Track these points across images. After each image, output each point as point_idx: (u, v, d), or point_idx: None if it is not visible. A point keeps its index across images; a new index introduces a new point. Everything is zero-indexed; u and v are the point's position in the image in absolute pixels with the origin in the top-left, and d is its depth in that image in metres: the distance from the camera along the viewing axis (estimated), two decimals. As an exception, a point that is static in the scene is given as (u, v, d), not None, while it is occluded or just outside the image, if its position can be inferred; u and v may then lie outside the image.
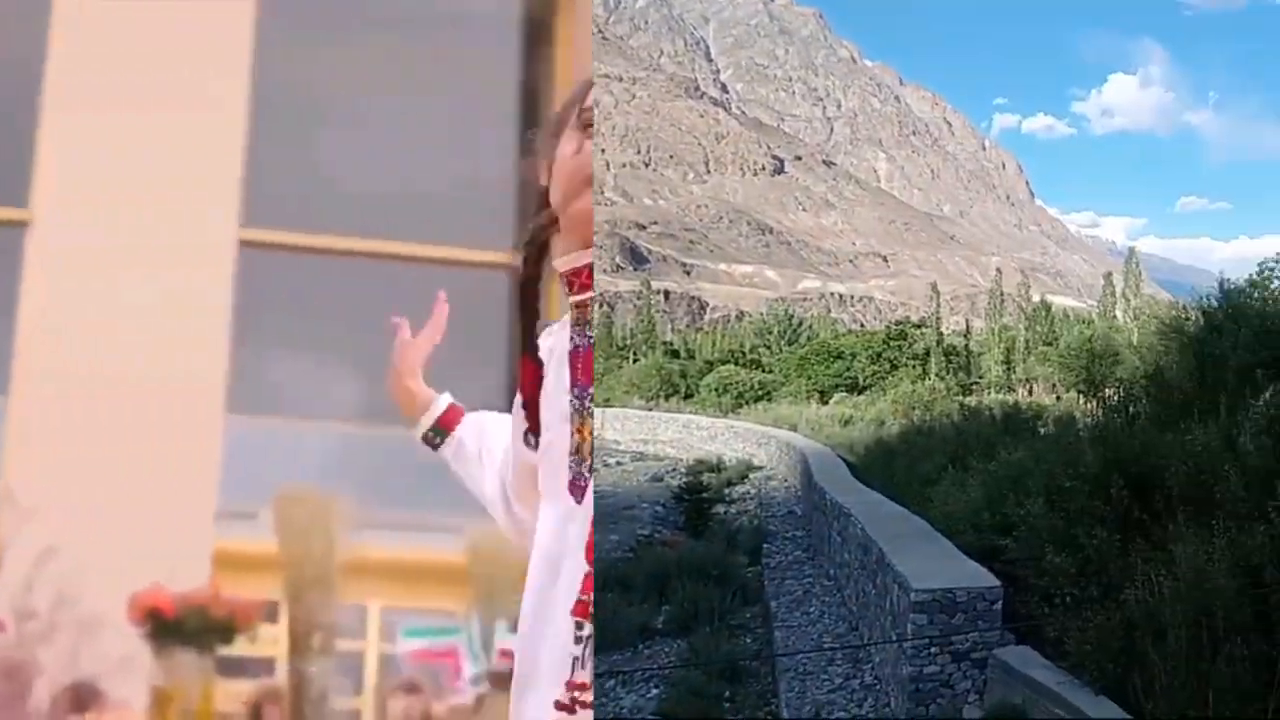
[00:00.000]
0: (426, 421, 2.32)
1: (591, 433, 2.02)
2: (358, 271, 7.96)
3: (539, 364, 2.07)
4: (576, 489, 1.99)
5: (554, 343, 2.10)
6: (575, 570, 1.94)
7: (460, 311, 8.15)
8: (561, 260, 2.06)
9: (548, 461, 2.04)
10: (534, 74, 8.35)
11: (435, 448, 2.33)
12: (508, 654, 6.81)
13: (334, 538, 6.74)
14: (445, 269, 7.92)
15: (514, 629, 6.62)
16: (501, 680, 6.70)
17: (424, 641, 6.84)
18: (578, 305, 2.06)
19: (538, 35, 8.40)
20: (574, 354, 2.04)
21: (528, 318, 2.10)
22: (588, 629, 1.92)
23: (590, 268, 2.05)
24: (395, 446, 8.20)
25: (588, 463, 2.00)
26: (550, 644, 1.95)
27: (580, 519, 1.98)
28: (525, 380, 2.08)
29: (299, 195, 7.84)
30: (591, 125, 2.00)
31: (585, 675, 1.92)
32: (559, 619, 1.94)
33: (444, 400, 2.34)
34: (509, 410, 2.19)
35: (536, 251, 2.09)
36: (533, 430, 2.08)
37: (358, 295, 7.95)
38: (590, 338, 2.06)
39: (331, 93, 7.98)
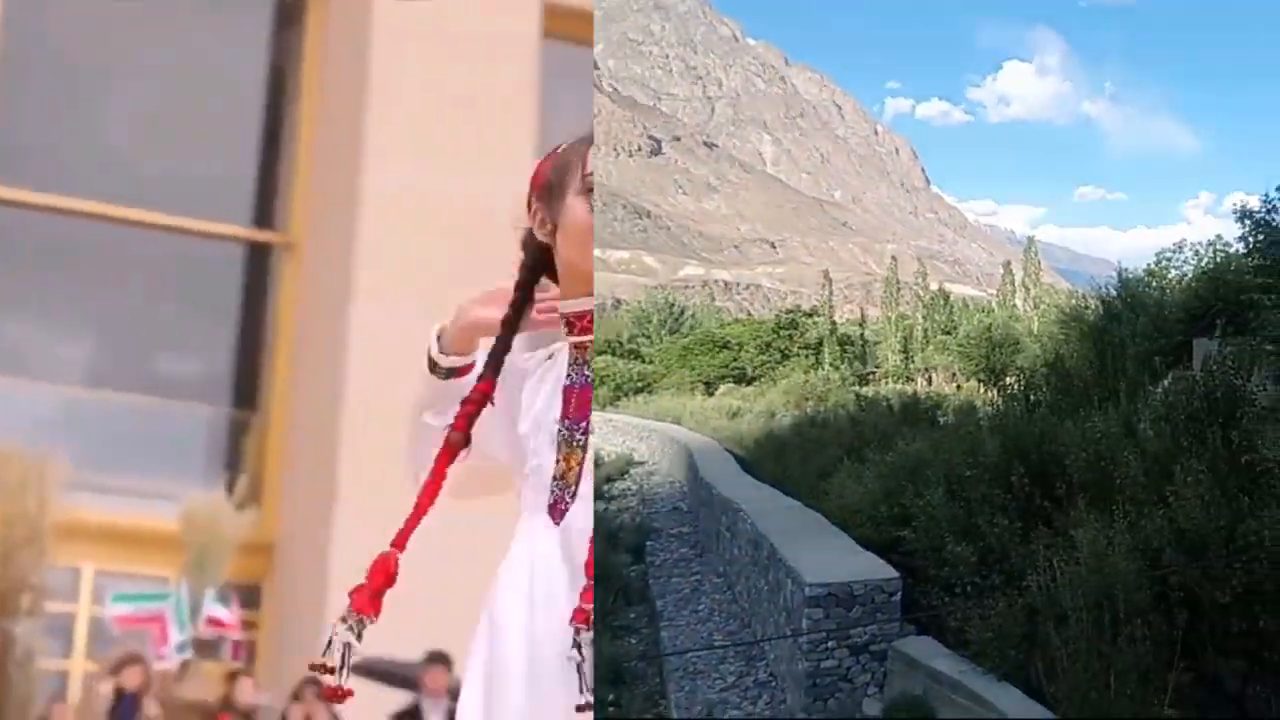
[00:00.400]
0: (451, 361, 2.48)
1: (579, 463, 2.37)
2: (95, 235, 8.13)
3: (493, 387, 2.43)
4: (557, 512, 2.36)
5: (547, 368, 2.46)
6: (574, 579, 2.26)
7: (195, 277, 8.34)
8: (569, 304, 2.45)
9: (536, 480, 2.39)
10: (282, 52, 8.75)
11: (433, 374, 2.49)
12: (216, 622, 7.19)
13: (47, 498, 6.92)
14: (181, 237, 8.25)
15: (222, 598, 6.91)
16: (206, 648, 7.01)
17: (132, 607, 7.12)
18: (578, 346, 2.45)
19: (289, 15, 8.76)
20: (569, 389, 2.41)
21: (503, 350, 2.44)
22: (586, 636, 2.21)
23: (591, 313, 2.45)
24: (119, 412, 8.42)
25: (571, 489, 2.36)
26: (549, 642, 2.24)
27: (572, 534, 2.32)
28: (476, 396, 2.42)
29: (43, 155, 7.99)
30: (592, 190, 2.37)
31: (589, 681, 2.20)
32: (554, 621, 2.24)
33: (477, 359, 2.49)
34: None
35: (525, 296, 2.46)
36: (459, 428, 2.41)
37: (93, 259, 8.14)
38: (588, 377, 2.43)
39: (80, 58, 8.20)
